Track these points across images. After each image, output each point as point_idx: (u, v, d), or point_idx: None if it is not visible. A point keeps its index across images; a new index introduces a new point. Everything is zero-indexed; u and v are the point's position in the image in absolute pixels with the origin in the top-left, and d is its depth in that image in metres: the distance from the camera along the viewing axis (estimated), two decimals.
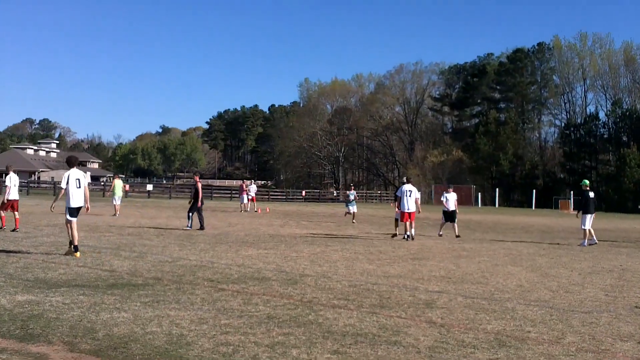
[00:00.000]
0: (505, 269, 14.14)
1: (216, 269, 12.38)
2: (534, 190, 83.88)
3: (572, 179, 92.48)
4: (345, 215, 34.37)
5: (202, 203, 23.61)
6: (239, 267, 12.90)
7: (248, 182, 46.13)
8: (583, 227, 22.13)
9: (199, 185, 23.57)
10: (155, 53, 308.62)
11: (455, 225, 24.27)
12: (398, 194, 22.06)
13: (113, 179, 33.30)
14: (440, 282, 11.74)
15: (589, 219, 22.10)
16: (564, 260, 16.63)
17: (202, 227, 22.89)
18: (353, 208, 33.02)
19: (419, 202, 22.11)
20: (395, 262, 14.74)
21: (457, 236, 23.62)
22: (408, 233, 21.41)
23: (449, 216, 24.30)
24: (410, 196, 21.56)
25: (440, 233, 24.39)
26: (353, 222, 31.58)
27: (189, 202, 24.05)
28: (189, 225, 22.86)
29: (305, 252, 16.48)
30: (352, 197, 33.55)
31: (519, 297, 10.34)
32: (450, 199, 24.45)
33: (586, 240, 22.00)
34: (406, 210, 21.43)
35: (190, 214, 23.07)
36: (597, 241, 22.31)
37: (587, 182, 23.11)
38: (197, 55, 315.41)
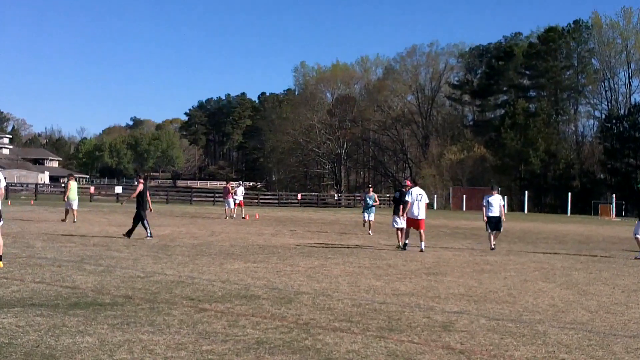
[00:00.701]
0: (535, 286, 14.15)
1: (197, 286, 12.38)
2: (570, 193, 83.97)
3: (614, 179, 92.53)
4: (363, 225, 31.37)
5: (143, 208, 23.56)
6: (223, 283, 12.90)
7: (235, 183, 46.18)
8: (637, 235, 21.73)
9: (140, 186, 23.58)
10: (125, 33, 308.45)
11: (498, 234, 24.01)
12: (408, 198, 22.04)
13: (68, 180, 33.34)
14: (460, 301, 11.75)
15: None
16: (605, 276, 16.63)
17: (128, 234, 23.07)
18: (370, 216, 30.46)
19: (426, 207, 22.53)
20: (406, 278, 14.74)
21: (492, 248, 23.26)
22: (423, 244, 21.80)
23: (496, 224, 23.60)
24: (421, 201, 21.90)
25: (493, 246, 23.42)
26: (369, 234, 29.80)
27: (122, 203, 24.34)
28: (149, 234, 22.89)
29: (301, 265, 16.49)
30: (371, 202, 30.69)
31: (552, 319, 10.35)
32: (495, 203, 23.60)
33: None
34: (416, 217, 21.76)
35: (143, 222, 23.12)
36: None
37: None
38: (174, 35, 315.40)
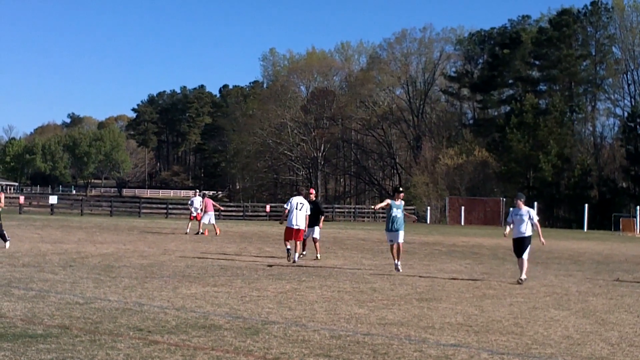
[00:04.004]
0: (546, 314, 14.22)
1: (146, 314, 12.34)
2: (586, 205, 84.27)
3: (638, 189, 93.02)
4: (395, 263, 22.33)
5: None
6: (177, 310, 12.87)
7: (191, 192, 45.83)
8: None
9: None
10: (60, 16, 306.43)
11: (525, 261, 20.73)
12: (286, 206, 24.86)
13: None
14: (458, 332, 11.79)
15: None
16: (628, 302, 16.74)
17: None
18: (399, 237, 22.04)
19: (308, 219, 24.83)
20: (394, 305, 14.76)
21: (519, 281, 20.20)
22: (297, 255, 24.37)
23: (519, 248, 20.83)
24: (300, 210, 24.47)
25: (523, 277, 20.30)
26: (398, 268, 22.14)
27: None
28: None
29: (270, 289, 16.49)
30: (399, 214, 22.20)
31: (566, 353, 10.40)
32: (518, 219, 20.87)
33: None
34: (294, 226, 24.31)
35: None
36: None
37: None
38: (120, 18, 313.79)
